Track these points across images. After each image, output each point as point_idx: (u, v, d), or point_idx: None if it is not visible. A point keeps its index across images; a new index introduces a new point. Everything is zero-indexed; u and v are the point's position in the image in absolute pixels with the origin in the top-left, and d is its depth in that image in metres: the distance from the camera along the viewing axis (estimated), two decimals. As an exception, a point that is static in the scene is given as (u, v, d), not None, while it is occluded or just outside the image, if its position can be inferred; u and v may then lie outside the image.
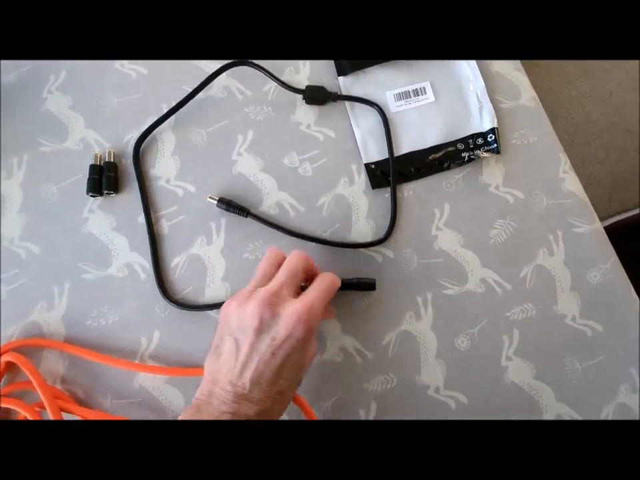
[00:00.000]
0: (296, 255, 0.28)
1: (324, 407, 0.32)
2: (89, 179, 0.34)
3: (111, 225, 0.34)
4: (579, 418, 0.33)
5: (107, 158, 0.35)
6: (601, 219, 0.37)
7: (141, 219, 0.34)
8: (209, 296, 0.34)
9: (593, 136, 1.21)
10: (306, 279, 0.29)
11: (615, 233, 0.36)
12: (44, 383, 0.29)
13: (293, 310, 0.25)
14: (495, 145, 0.37)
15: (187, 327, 0.33)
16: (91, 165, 0.34)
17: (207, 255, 0.34)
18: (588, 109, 1.22)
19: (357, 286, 0.33)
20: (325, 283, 0.28)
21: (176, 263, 0.34)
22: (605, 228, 0.37)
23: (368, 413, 0.32)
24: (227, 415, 0.24)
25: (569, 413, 0.33)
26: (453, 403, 0.33)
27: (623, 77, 1.23)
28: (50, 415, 0.27)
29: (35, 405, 0.29)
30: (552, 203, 0.37)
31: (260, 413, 0.24)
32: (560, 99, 1.23)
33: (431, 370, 0.33)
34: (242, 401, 0.24)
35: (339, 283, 0.29)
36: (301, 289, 0.29)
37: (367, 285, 0.33)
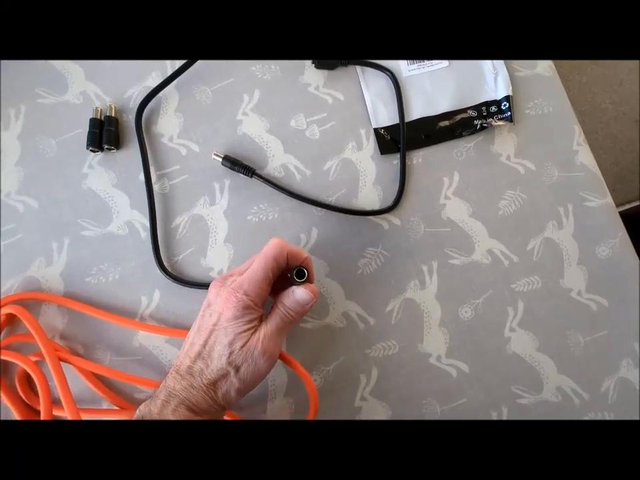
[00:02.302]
0: (266, 245, 0.27)
1: (324, 371, 0.32)
2: (88, 132, 0.33)
3: (112, 181, 0.33)
4: (580, 390, 0.33)
5: (107, 112, 0.34)
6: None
7: (142, 176, 0.33)
8: (211, 257, 0.33)
9: (600, 125, 1.19)
10: (287, 266, 0.28)
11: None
12: (44, 334, 0.28)
13: (227, 289, 0.25)
14: (509, 113, 0.36)
15: (188, 288, 0.32)
16: (91, 119, 0.33)
17: (210, 215, 0.33)
18: (597, 97, 1.20)
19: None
20: (260, 254, 0.26)
21: (178, 223, 0.33)
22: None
23: (369, 378, 0.32)
24: (163, 390, 0.24)
25: (569, 385, 0.33)
26: (454, 372, 0.33)
27: (633, 65, 1.20)
28: (49, 365, 0.27)
29: (32, 355, 0.28)
30: (564, 175, 0.36)
31: (185, 389, 0.24)
32: (569, 86, 1.20)
33: (433, 338, 0.33)
34: (176, 374, 0.25)
35: (278, 245, 0.26)
36: (289, 277, 0.28)
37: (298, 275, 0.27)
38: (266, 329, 0.26)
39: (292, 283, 0.28)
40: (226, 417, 0.30)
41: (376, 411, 0.32)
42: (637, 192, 1.15)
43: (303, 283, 0.27)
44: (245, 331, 0.25)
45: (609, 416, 0.33)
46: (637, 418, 0.33)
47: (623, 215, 0.38)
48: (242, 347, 0.24)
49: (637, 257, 0.35)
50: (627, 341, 0.34)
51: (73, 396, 0.28)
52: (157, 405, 0.24)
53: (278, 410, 0.31)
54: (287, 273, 0.29)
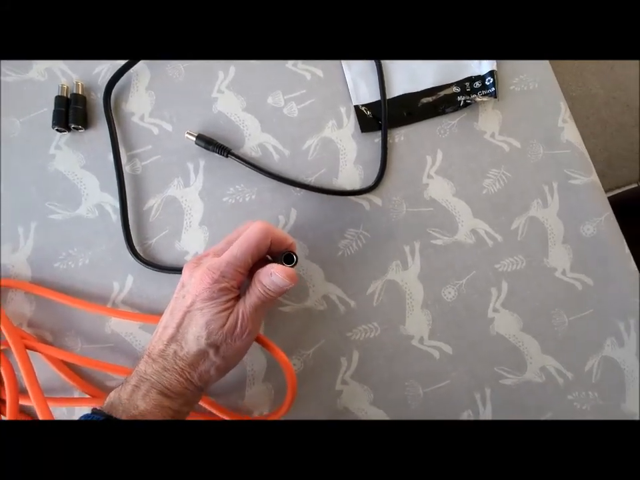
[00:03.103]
0: (250, 227, 0.26)
1: (304, 355, 0.31)
2: (54, 111, 0.31)
3: (80, 162, 0.32)
4: (564, 370, 0.33)
5: (74, 90, 0.32)
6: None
7: (112, 157, 0.32)
8: (186, 240, 0.32)
9: (591, 110, 1.19)
10: (270, 252, 0.27)
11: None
12: (9, 322, 0.27)
13: (201, 269, 0.24)
14: (493, 88, 0.34)
15: (162, 272, 0.31)
16: (56, 97, 0.31)
17: (184, 197, 0.32)
18: (588, 82, 1.19)
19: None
20: (243, 237, 0.25)
21: (150, 205, 0.32)
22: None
23: (350, 361, 0.31)
24: (135, 375, 0.23)
25: (553, 365, 0.33)
26: (437, 353, 0.32)
27: (625, 51, 1.19)
28: (14, 353, 0.26)
29: (-4, 342, 0.27)
30: (549, 153, 0.35)
31: (157, 372, 0.23)
32: (559, 71, 1.19)
33: (416, 320, 0.32)
34: (148, 358, 0.24)
35: (262, 230, 0.25)
36: (268, 260, 0.28)
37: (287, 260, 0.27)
38: (244, 308, 0.25)
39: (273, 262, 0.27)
40: (204, 404, 0.29)
41: (357, 394, 0.31)
42: (627, 177, 1.15)
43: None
44: (221, 311, 0.24)
45: (592, 395, 0.32)
46: (620, 397, 0.33)
47: (613, 201, 0.38)
48: (221, 327, 0.24)
49: (622, 235, 0.35)
50: (612, 319, 0.33)
51: (41, 385, 0.27)
52: (127, 391, 0.23)
53: (257, 396, 0.31)
54: (268, 255, 0.28)
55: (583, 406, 0.32)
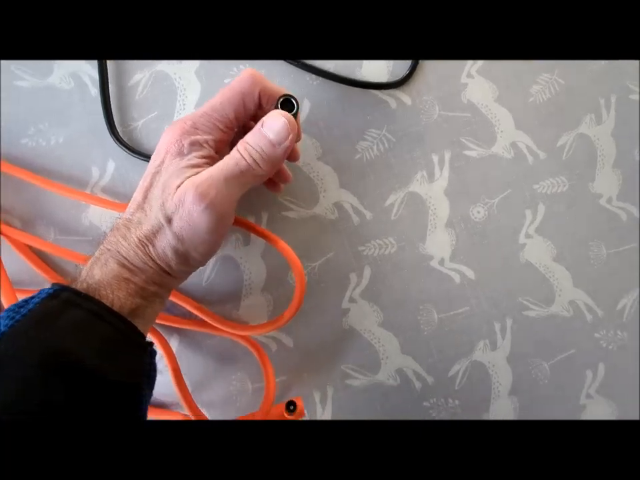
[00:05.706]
0: (240, 74, 0.21)
1: (309, 268, 0.28)
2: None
3: (52, 18, 0.26)
4: (594, 306, 0.29)
5: None
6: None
7: (92, 15, 0.26)
8: (179, 126, 0.27)
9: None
10: (261, 109, 0.22)
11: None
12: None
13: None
14: (558, -29, 0.28)
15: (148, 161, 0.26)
16: None
17: (178, 74, 0.27)
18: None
19: None
20: (226, 87, 0.21)
21: (137, 81, 0.27)
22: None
23: (360, 278, 0.28)
24: (98, 248, 0.20)
25: (584, 300, 0.29)
26: (457, 277, 0.28)
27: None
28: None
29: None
30: (610, 61, 0.30)
31: (116, 242, 0.20)
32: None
33: (438, 239, 0.28)
34: (114, 229, 0.20)
35: (249, 77, 0.21)
36: None
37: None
38: (210, 171, 0.19)
39: None
40: (194, 310, 0.26)
41: (365, 314, 0.28)
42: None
43: None
44: (188, 167, 0.19)
45: (621, 335, 0.30)
46: (652, 338, 0.30)
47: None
48: (176, 189, 0.19)
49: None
50: (654, 257, 0.30)
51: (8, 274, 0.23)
52: (88, 264, 0.19)
53: (253, 307, 0.27)
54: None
55: (609, 345, 0.30)
